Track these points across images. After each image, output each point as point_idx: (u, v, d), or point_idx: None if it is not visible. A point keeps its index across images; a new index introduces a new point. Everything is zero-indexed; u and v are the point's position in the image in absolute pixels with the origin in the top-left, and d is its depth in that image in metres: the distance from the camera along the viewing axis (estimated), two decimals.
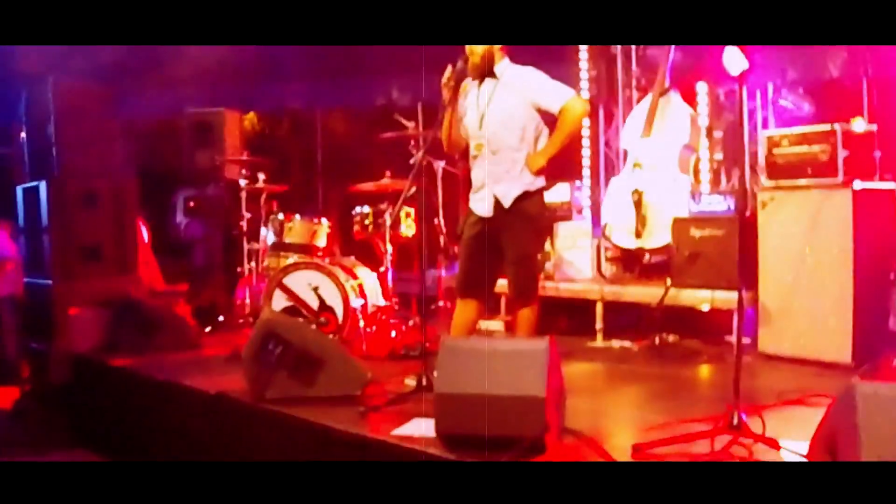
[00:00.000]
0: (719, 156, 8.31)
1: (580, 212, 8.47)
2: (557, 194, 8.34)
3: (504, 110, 5.62)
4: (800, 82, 8.52)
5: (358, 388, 5.35)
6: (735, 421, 4.18)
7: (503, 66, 5.69)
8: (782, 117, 8.02)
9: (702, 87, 8.31)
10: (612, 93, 9.11)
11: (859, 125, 6.97)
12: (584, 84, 9.10)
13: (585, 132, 9.08)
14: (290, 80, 12.00)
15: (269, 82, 11.99)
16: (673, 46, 7.79)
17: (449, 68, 5.58)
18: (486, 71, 5.65)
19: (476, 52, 5.58)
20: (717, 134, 8.34)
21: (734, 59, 7.82)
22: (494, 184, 5.65)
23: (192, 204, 11.03)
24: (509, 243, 5.65)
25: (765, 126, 7.98)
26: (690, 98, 8.20)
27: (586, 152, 9.10)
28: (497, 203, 5.64)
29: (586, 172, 9.05)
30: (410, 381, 5.37)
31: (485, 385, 4.16)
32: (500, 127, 5.63)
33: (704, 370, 6.32)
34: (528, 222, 5.65)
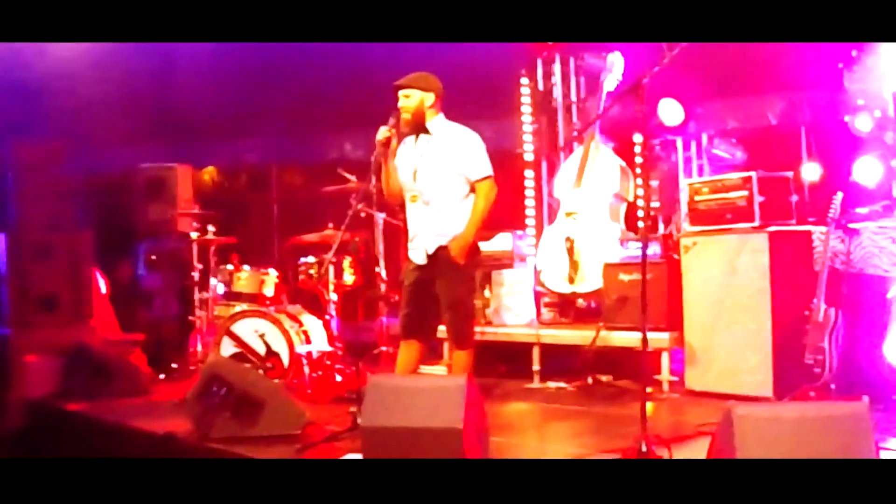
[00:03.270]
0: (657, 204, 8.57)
1: (523, 260, 8.68)
2: (499, 243, 8.59)
3: (435, 165, 5.87)
4: (737, 131, 8.80)
5: (297, 427, 5.62)
6: (643, 449, 4.53)
7: (436, 122, 5.94)
8: (717, 166, 8.28)
9: (638, 138, 8.58)
10: (555, 145, 9.32)
11: (811, 171, 7.31)
12: (528, 137, 9.31)
13: (530, 183, 9.32)
14: (247, 136, 12.26)
15: (228, 138, 12.25)
16: (604, 98, 8.11)
17: (382, 128, 5.87)
18: (418, 126, 5.89)
19: (407, 108, 5.84)
20: (654, 183, 8.60)
21: (671, 111, 8.20)
22: (427, 234, 5.91)
23: (153, 257, 11.25)
24: (443, 290, 5.91)
25: (701, 174, 8.25)
26: (628, 148, 8.50)
27: (530, 202, 9.32)
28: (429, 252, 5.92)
29: (531, 222, 9.26)
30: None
31: (407, 418, 4.45)
32: (431, 180, 5.88)
33: (633, 407, 6.56)
34: (457, 270, 5.87)
